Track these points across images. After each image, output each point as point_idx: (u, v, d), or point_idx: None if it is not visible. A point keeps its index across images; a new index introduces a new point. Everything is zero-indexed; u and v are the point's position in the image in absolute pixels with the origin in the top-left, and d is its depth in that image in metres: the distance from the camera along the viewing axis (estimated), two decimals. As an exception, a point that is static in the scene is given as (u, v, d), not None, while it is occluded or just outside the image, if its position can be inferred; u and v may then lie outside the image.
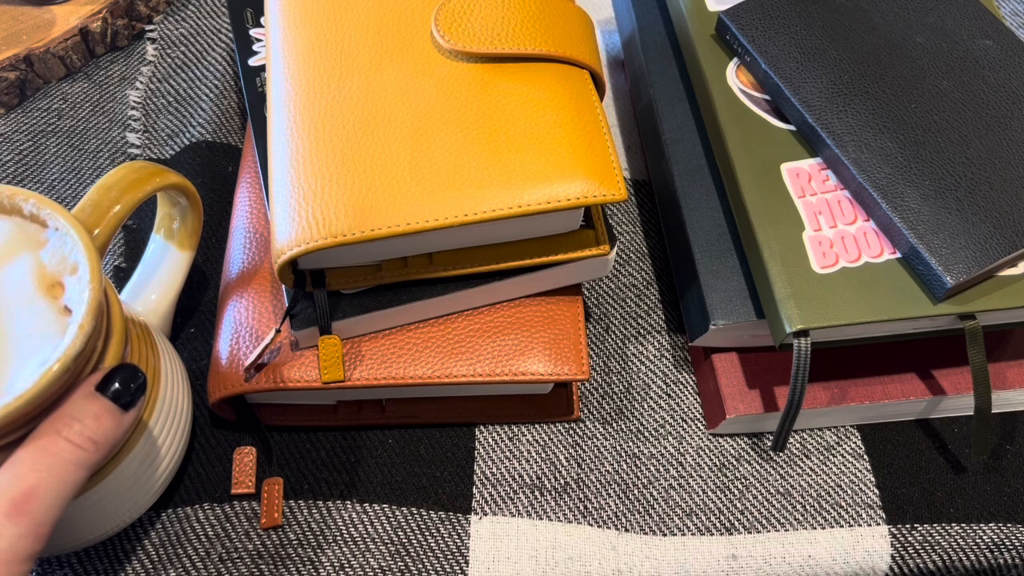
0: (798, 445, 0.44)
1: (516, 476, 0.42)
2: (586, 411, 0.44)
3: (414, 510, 0.41)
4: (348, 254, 0.37)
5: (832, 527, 0.42)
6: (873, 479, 0.43)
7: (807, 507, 0.42)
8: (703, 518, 0.42)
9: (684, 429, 0.44)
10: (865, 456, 0.44)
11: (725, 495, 0.42)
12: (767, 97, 0.44)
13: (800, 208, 0.40)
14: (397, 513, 0.41)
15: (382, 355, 0.40)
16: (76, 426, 0.28)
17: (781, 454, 0.44)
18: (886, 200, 0.39)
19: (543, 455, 0.43)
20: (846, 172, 0.40)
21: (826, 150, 0.41)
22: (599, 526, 0.41)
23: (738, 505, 0.42)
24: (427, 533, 0.40)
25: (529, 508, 0.41)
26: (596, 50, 0.41)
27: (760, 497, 0.42)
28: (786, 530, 0.41)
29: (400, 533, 0.40)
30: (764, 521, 0.42)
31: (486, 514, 0.41)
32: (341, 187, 0.35)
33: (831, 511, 0.42)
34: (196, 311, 0.46)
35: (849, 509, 0.42)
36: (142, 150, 0.52)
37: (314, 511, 0.41)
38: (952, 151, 0.40)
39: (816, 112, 0.41)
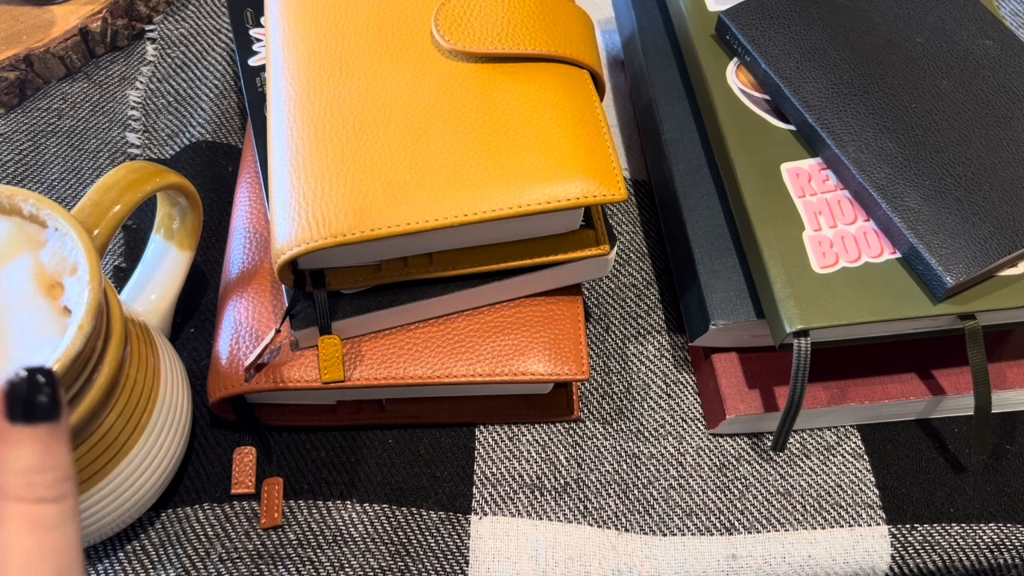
0: (798, 445, 0.44)
1: (516, 476, 0.42)
2: (586, 411, 0.44)
3: (414, 510, 0.41)
4: (348, 254, 0.37)
5: (832, 527, 0.42)
6: (873, 479, 0.43)
7: (807, 507, 0.42)
8: (703, 518, 0.42)
9: (684, 429, 0.44)
10: (865, 456, 0.44)
11: (725, 495, 0.42)
12: (767, 97, 0.44)
13: (800, 208, 0.40)
14: (397, 513, 0.41)
15: (382, 355, 0.40)
16: (20, 480, 0.21)
17: (781, 454, 0.44)
18: (886, 200, 0.39)
19: (543, 455, 0.43)
20: (846, 172, 0.40)
21: (826, 150, 0.41)
22: (599, 526, 0.41)
23: (738, 505, 0.42)
24: (427, 533, 0.40)
25: (529, 508, 0.41)
26: (596, 50, 0.41)
27: (760, 497, 0.42)
28: (786, 530, 0.41)
29: (400, 533, 0.40)
30: (764, 521, 0.42)
31: (486, 514, 0.41)
32: (341, 187, 0.35)
33: (831, 511, 0.42)
34: (196, 311, 0.46)
35: (849, 509, 0.42)
36: (142, 150, 0.52)
37: (314, 511, 0.41)
38: (952, 151, 0.40)
39: (816, 112, 0.41)
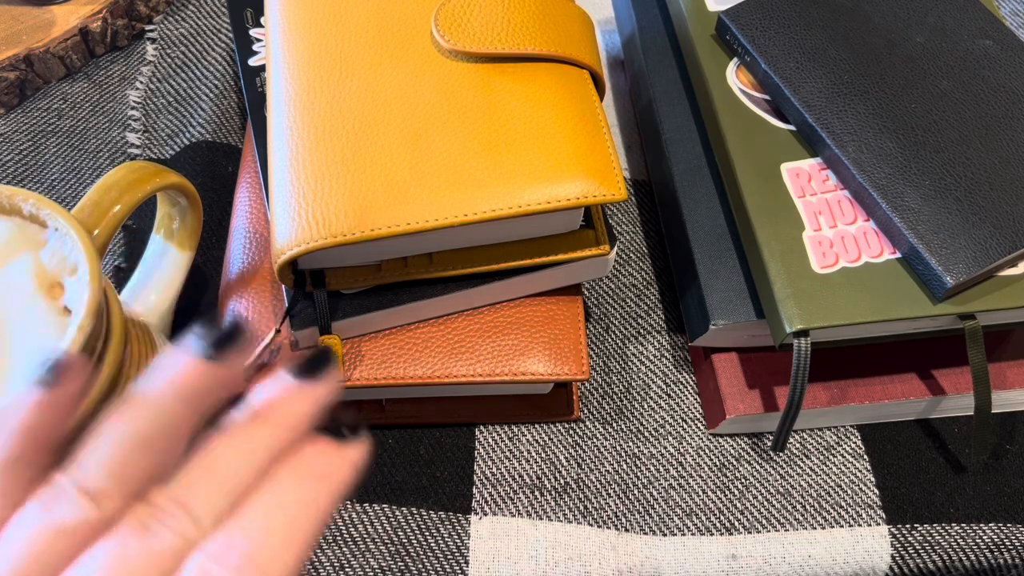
0: (798, 445, 0.44)
1: (516, 476, 0.42)
2: (586, 411, 0.44)
3: (414, 510, 0.41)
4: (348, 254, 0.37)
5: (832, 527, 0.42)
6: (873, 479, 0.43)
7: (807, 507, 0.42)
8: (703, 518, 0.42)
9: (684, 429, 0.44)
10: (865, 456, 0.44)
11: (725, 495, 0.42)
12: (767, 97, 0.44)
13: (800, 208, 0.40)
14: (397, 513, 0.41)
15: (382, 355, 0.40)
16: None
17: (781, 454, 0.44)
18: (886, 200, 0.39)
19: (543, 455, 0.43)
20: (846, 172, 0.40)
21: (826, 150, 0.41)
22: (599, 526, 0.41)
23: (738, 505, 0.42)
24: (427, 533, 0.40)
25: (529, 508, 0.41)
26: (596, 50, 0.41)
27: (760, 497, 0.42)
28: (786, 530, 0.41)
29: (400, 533, 0.40)
30: (764, 521, 0.42)
31: (486, 514, 0.41)
32: (341, 187, 0.35)
33: (831, 511, 0.42)
34: (196, 311, 0.46)
35: (849, 509, 0.42)
36: (142, 150, 0.52)
37: (314, 511, 0.41)
38: (952, 151, 0.40)
39: (816, 112, 0.41)
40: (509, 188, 0.35)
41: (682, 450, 0.44)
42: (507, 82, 0.38)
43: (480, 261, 0.38)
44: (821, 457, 0.44)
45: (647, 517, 0.42)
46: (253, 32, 0.49)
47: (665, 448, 0.44)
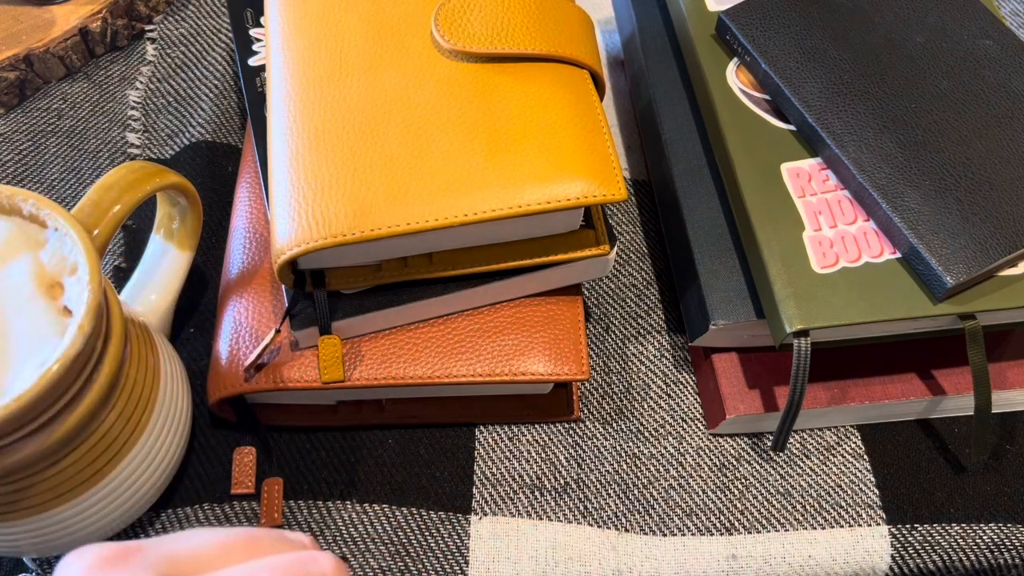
0: (798, 445, 0.44)
1: (516, 476, 0.42)
2: (586, 411, 0.44)
3: (414, 510, 0.41)
4: (348, 254, 0.37)
5: (832, 527, 0.42)
6: (873, 479, 0.43)
7: (807, 507, 0.42)
8: (703, 518, 0.42)
9: (684, 429, 0.44)
10: (865, 456, 0.44)
11: (725, 495, 0.42)
12: (767, 97, 0.44)
13: (800, 208, 0.40)
14: (397, 513, 0.41)
15: (382, 355, 0.40)
16: None
17: (781, 454, 0.44)
18: (886, 200, 0.39)
19: (543, 455, 0.43)
20: (846, 172, 0.40)
21: (826, 150, 0.41)
22: (599, 526, 0.41)
23: (738, 505, 0.42)
24: (427, 533, 0.40)
25: (529, 508, 0.41)
26: (596, 50, 0.41)
27: (760, 497, 0.42)
28: (786, 530, 0.41)
29: (400, 533, 0.40)
30: (764, 521, 0.42)
31: (486, 514, 0.41)
32: (341, 187, 0.35)
33: (831, 511, 0.42)
34: (196, 311, 0.46)
35: (849, 509, 0.42)
36: (142, 150, 0.52)
37: (314, 511, 0.41)
38: (952, 151, 0.40)
39: (816, 112, 0.41)
40: (509, 188, 0.35)
41: (682, 450, 0.44)
42: (507, 82, 0.38)
43: (480, 261, 0.38)
44: (821, 457, 0.44)
45: (647, 517, 0.42)
46: (253, 32, 0.49)
47: (665, 448, 0.44)
